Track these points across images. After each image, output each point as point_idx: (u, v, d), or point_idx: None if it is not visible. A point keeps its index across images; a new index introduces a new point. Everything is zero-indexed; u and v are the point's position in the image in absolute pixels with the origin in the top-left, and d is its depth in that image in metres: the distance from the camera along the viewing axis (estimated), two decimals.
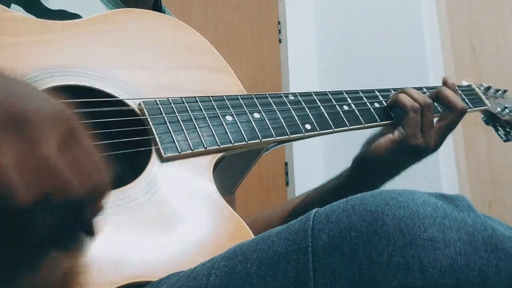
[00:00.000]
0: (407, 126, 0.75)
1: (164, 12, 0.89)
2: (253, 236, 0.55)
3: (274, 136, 0.66)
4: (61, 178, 0.36)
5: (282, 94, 0.72)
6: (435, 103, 0.80)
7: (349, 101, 0.77)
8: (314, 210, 0.42)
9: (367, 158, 0.79)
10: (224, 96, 0.66)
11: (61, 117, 0.38)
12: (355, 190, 0.79)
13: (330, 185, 0.85)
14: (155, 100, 0.62)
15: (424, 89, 0.85)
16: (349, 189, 0.81)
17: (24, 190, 0.34)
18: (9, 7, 0.67)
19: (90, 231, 0.40)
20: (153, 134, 0.59)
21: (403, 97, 0.77)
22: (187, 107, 0.63)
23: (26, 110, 0.36)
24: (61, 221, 0.38)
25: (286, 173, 2.40)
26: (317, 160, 2.42)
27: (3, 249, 0.37)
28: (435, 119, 0.79)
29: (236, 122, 0.65)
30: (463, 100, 0.83)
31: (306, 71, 2.52)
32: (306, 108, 0.72)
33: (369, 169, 0.79)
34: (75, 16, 0.71)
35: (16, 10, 0.67)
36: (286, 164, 2.40)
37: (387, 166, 0.79)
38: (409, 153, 0.77)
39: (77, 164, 0.38)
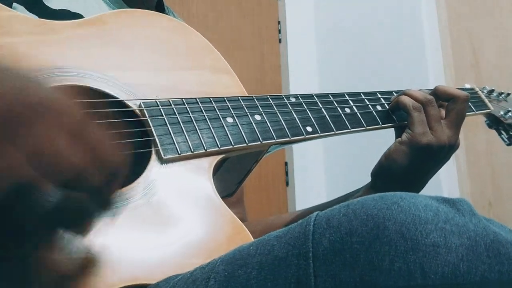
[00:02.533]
0: (413, 125, 0.74)
1: (167, 12, 0.89)
2: (252, 239, 0.54)
3: (275, 138, 0.66)
4: (79, 166, 0.36)
5: (283, 96, 0.71)
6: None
7: (351, 103, 0.77)
8: (314, 214, 0.42)
9: (382, 168, 0.77)
10: (225, 98, 0.66)
11: (73, 107, 0.39)
12: None
13: (348, 199, 0.82)
14: (156, 101, 0.61)
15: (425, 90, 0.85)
16: None
17: (43, 182, 0.35)
18: (10, 6, 0.66)
19: (107, 206, 0.40)
20: (153, 136, 0.59)
21: (404, 98, 0.77)
22: (188, 108, 0.63)
23: (39, 99, 0.37)
24: (80, 205, 0.38)
25: (286, 173, 2.40)
26: (317, 160, 2.42)
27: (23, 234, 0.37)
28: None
29: (237, 124, 0.64)
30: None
31: (306, 71, 2.52)
32: (307, 110, 0.71)
33: (389, 178, 0.76)
34: (77, 15, 0.71)
35: (18, 9, 0.67)
36: (286, 164, 2.40)
37: (405, 173, 0.75)
38: (424, 153, 0.74)
39: (93, 149, 0.38)
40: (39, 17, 0.67)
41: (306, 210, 0.85)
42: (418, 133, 0.74)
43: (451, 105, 0.78)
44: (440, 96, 0.79)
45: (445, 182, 1.98)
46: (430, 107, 0.75)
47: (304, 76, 2.49)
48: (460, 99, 0.78)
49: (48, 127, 0.36)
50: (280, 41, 2.54)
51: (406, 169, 0.74)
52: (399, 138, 0.75)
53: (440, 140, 0.74)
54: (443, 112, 0.79)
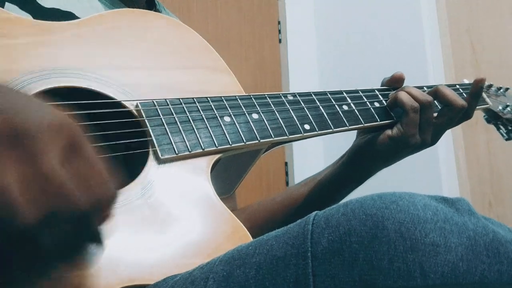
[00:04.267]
0: (406, 125, 0.75)
1: (159, 8, 0.88)
2: (251, 238, 0.54)
3: (273, 136, 0.66)
4: (65, 194, 0.35)
5: (281, 94, 0.71)
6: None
7: (349, 100, 0.77)
8: (313, 214, 0.42)
9: (364, 151, 0.80)
10: (222, 97, 0.66)
11: (62, 129, 0.37)
12: (351, 177, 0.81)
13: (327, 174, 0.86)
14: (153, 101, 0.61)
15: (425, 87, 0.84)
16: (345, 176, 0.83)
17: (27, 208, 0.33)
18: (3, 5, 0.66)
19: (98, 241, 0.39)
20: (150, 136, 0.58)
21: (403, 96, 0.76)
22: (185, 108, 0.62)
23: (25, 124, 0.35)
24: (67, 235, 0.37)
25: (286, 173, 2.39)
26: (317, 160, 2.41)
27: (10, 265, 0.36)
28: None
29: (235, 123, 0.64)
30: (464, 98, 0.82)
31: (306, 71, 2.52)
32: (305, 108, 0.71)
33: (365, 161, 0.81)
34: (68, 14, 0.71)
35: (11, 9, 0.67)
36: (286, 164, 2.40)
37: (383, 159, 0.80)
38: (405, 149, 0.78)
39: (81, 176, 0.37)
40: (31, 15, 0.67)
41: (286, 195, 0.87)
42: (409, 134, 0.75)
43: (445, 110, 0.79)
44: (439, 98, 0.79)
45: (445, 182, 1.97)
46: (428, 110, 0.76)
47: (304, 76, 2.49)
48: (456, 108, 0.78)
49: (38, 149, 0.35)
50: (280, 41, 2.54)
51: (384, 157, 0.79)
52: (389, 131, 0.77)
53: (424, 141, 0.77)
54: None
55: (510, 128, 0.94)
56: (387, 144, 0.77)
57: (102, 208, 0.38)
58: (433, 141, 0.79)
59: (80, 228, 0.37)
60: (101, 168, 0.39)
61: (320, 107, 0.73)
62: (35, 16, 0.66)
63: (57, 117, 0.38)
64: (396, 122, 0.78)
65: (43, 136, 0.36)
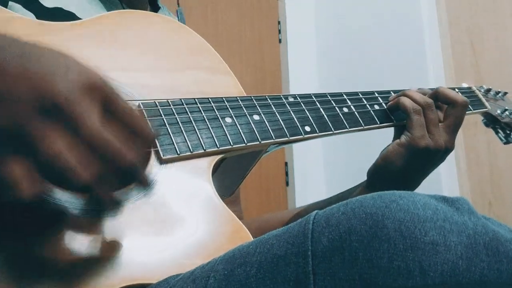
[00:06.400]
0: (412, 128, 0.75)
1: (162, 9, 0.89)
2: (252, 239, 0.54)
3: (274, 138, 0.66)
4: (112, 151, 0.38)
5: (281, 96, 0.72)
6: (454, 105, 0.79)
7: (349, 103, 0.77)
8: (313, 213, 0.42)
9: (379, 168, 0.77)
10: (223, 98, 0.66)
11: (95, 87, 0.39)
12: None
13: (345, 198, 0.82)
14: (154, 102, 0.61)
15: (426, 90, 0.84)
16: None
17: (82, 170, 0.36)
18: (6, 5, 0.66)
19: (144, 183, 0.43)
20: None
21: (404, 100, 0.77)
22: (186, 109, 0.63)
23: (59, 91, 0.37)
24: (117, 182, 0.40)
25: (286, 173, 2.40)
26: (317, 160, 2.42)
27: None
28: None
29: (236, 124, 0.64)
30: None
31: (306, 71, 2.52)
32: (305, 110, 0.72)
33: (384, 179, 0.77)
34: (70, 14, 0.71)
35: (15, 8, 0.67)
36: (286, 164, 2.40)
37: (401, 173, 0.76)
38: (421, 155, 0.75)
39: (123, 131, 0.39)
40: (35, 15, 0.67)
41: (302, 209, 0.86)
42: (417, 137, 0.74)
43: (450, 110, 0.78)
44: (440, 98, 0.79)
45: (445, 182, 1.98)
46: (429, 111, 0.76)
47: (304, 76, 2.49)
48: (459, 105, 0.78)
49: (78, 114, 0.37)
50: (280, 41, 2.54)
51: (403, 170, 0.75)
52: (398, 140, 0.76)
53: (437, 143, 0.75)
54: (441, 114, 0.79)
55: (508, 132, 0.94)
56: (399, 153, 0.75)
57: (144, 152, 0.42)
58: (448, 144, 0.77)
59: (130, 178, 0.41)
60: (139, 118, 0.41)
61: (321, 109, 0.73)
62: (38, 16, 0.67)
63: (87, 75, 0.40)
64: (396, 125, 0.78)
65: (80, 100, 0.38)
